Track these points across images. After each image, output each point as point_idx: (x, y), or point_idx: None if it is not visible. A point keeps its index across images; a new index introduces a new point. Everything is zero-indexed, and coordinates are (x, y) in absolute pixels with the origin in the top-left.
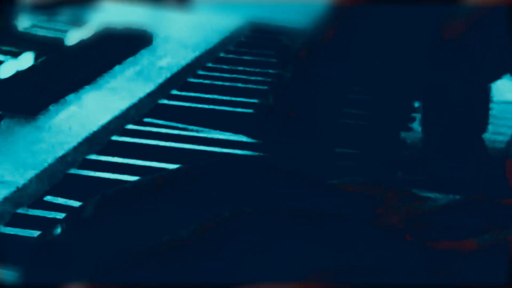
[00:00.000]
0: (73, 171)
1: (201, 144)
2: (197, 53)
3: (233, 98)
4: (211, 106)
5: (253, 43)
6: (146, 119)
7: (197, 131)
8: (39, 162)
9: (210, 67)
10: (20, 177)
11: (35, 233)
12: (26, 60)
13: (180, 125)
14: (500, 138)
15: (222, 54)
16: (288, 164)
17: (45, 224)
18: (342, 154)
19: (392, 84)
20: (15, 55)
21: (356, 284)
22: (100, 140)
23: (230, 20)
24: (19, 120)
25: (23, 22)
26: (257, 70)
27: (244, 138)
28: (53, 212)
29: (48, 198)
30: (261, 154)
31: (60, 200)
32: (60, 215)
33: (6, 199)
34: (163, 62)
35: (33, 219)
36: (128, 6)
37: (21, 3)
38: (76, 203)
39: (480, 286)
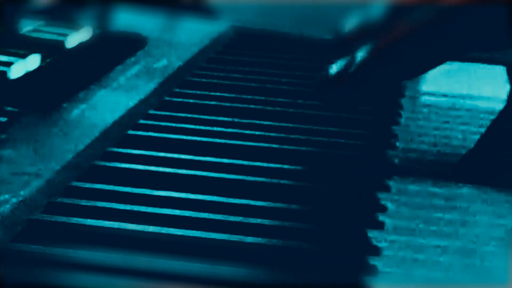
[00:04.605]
0: (97, 162)
1: (209, 136)
2: (191, 54)
3: (229, 95)
4: (213, 102)
5: (238, 45)
6: (155, 114)
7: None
8: (63, 155)
9: (204, 66)
10: (49, 170)
11: (70, 220)
12: (33, 61)
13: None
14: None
15: (212, 55)
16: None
17: (76, 211)
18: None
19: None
20: (21, 56)
21: None
22: (115, 134)
23: (216, 23)
24: (36, 116)
25: (25, 26)
26: (246, 69)
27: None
28: (83, 200)
29: (76, 185)
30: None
31: (89, 188)
32: (89, 203)
33: (36, 190)
34: (161, 63)
35: (65, 206)
36: (123, 10)
37: (23, 7)
38: (103, 189)
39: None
